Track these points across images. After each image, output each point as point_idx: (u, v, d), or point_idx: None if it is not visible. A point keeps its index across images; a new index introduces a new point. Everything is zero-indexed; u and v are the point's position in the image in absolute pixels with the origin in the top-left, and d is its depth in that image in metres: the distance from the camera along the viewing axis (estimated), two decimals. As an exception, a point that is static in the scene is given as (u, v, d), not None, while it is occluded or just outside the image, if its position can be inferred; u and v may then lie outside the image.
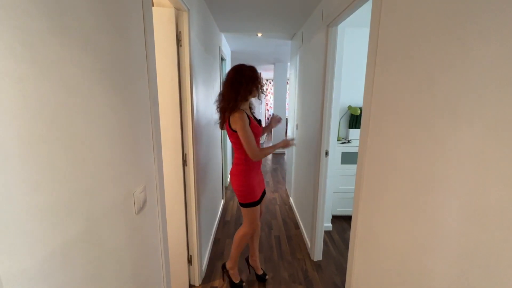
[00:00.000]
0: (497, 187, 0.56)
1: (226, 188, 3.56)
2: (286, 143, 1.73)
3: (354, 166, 2.82)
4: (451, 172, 0.68)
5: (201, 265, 1.94)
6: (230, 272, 1.90)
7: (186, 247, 1.77)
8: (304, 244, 2.47)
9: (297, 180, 3.02)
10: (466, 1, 0.64)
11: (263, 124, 2.08)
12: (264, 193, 1.87)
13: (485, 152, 0.59)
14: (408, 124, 0.85)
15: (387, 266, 0.99)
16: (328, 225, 2.71)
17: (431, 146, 0.75)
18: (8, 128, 0.42)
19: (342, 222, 2.89)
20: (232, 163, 1.74)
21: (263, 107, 9.16)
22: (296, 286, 1.93)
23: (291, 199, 3.41)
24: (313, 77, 2.26)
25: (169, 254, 1.24)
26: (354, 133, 2.81)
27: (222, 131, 2.95)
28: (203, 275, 2.00)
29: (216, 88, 2.71)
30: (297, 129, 3.08)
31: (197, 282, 1.90)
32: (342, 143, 2.79)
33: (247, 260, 2.05)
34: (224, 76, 1.75)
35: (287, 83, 6.33)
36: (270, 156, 6.16)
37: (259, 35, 3.28)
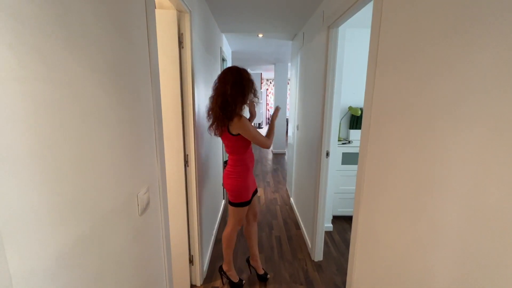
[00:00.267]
0: (497, 188, 0.57)
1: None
2: (276, 114, 1.81)
3: (354, 167, 2.83)
4: (452, 172, 0.68)
5: (202, 265, 1.95)
6: (228, 273, 1.92)
7: (187, 248, 1.78)
8: (305, 244, 2.48)
9: (298, 180, 3.02)
10: (468, 3, 0.64)
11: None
12: (256, 191, 1.91)
13: (485, 153, 0.59)
14: (409, 125, 0.86)
15: (388, 267, 1.00)
16: (328, 225, 2.72)
17: (431, 147, 0.76)
18: (16, 131, 0.43)
19: (343, 222, 2.90)
20: (227, 165, 1.74)
21: (264, 107, 9.16)
22: (297, 286, 1.94)
23: (291, 199, 3.42)
24: (314, 78, 2.26)
25: (171, 254, 1.25)
26: (355, 134, 2.82)
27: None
28: (204, 275, 2.01)
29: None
30: (297, 129, 3.08)
31: (198, 282, 1.91)
32: (343, 143, 2.80)
33: (247, 261, 2.06)
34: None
35: (288, 83, 6.34)
36: (270, 157, 6.16)
37: (260, 35, 3.29)
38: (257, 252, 2.01)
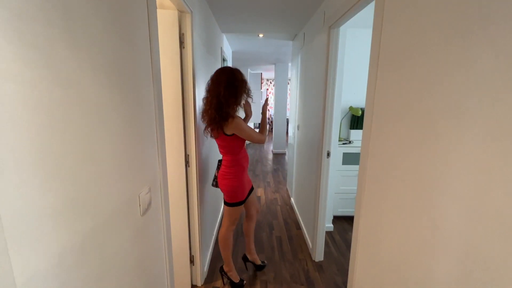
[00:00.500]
0: (500, 190, 0.57)
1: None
2: (265, 107, 1.83)
3: (355, 167, 2.83)
4: (454, 173, 0.68)
5: (203, 265, 1.95)
6: (229, 273, 1.93)
7: (188, 248, 1.78)
8: (306, 244, 2.48)
9: (298, 180, 3.02)
10: (472, 4, 0.64)
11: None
12: (252, 189, 1.92)
13: (488, 155, 0.59)
14: (411, 125, 0.86)
15: (389, 267, 1.00)
16: (329, 225, 2.72)
17: (434, 147, 0.75)
18: (18, 131, 0.43)
19: (343, 222, 2.90)
20: (221, 166, 1.75)
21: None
22: (297, 287, 1.94)
23: (292, 199, 3.42)
24: (315, 78, 2.26)
25: (172, 254, 1.25)
26: (355, 134, 2.82)
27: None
28: (205, 275, 2.01)
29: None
30: (298, 129, 3.08)
31: (199, 282, 1.91)
32: (343, 143, 2.80)
33: (243, 258, 2.09)
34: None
35: (288, 83, 6.33)
36: (270, 157, 6.16)
37: (261, 35, 3.29)
38: (252, 244, 2.08)
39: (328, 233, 2.65)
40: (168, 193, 1.14)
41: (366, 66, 1.18)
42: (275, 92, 6.25)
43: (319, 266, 2.17)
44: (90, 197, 0.61)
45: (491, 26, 0.59)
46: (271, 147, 7.07)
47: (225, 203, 1.77)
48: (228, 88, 1.53)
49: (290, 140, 3.81)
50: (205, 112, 1.61)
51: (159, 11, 1.42)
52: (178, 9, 1.48)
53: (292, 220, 2.99)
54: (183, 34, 1.54)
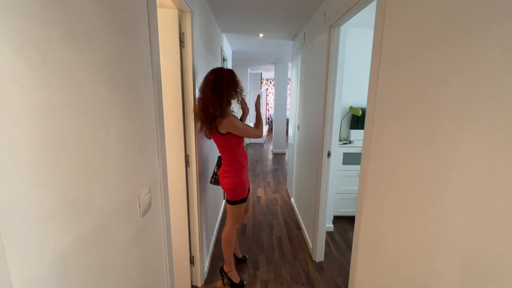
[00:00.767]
0: (504, 191, 0.56)
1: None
2: (258, 102, 1.85)
3: (355, 167, 2.83)
4: (458, 175, 0.68)
5: (203, 266, 1.94)
6: (229, 274, 1.92)
7: (188, 248, 1.77)
8: (306, 244, 2.47)
9: (299, 180, 3.02)
10: (475, 2, 0.64)
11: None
12: (249, 189, 1.94)
13: (491, 155, 0.59)
14: (414, 126, 0.85)
15: (391, 269, 0.99)
16: (329, 225, 2.71)
17: (438, 148, 0.75)
18: (18, 131, 0.42)
19: (344, 222, 2.90)
20: (221, 165, 1.76)
21: (264, 107, 9.15)
22: (298, 287, 1.93)
23: (292, 199, 3.42)
24: (315, 78, 2.26)
25: (172, 255, 1.24)
26: (356, 134, 2.81)
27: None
28: (205, 276, 2.00)
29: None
30: (298, 129, 3.08)
31: (199, 283, 1.90)
32: (344, 143, 2.79)
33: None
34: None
35: (288, 83, 6.33)
36: (270, 157, 6.16)
37: (261, 35, 3.28)
38: (237, 239, 2.11)
39: (328, 233, 2.64)
40: (168, 193, 1.13)
41: (366, 65, 1.18)
42: (275, 92, 6.24)
43: (319, 266, 2.16)
44: (90, 198, 0.60)
45: (495, 26, 0.58)
46: (271, 147, 7.06)
47: (228, 201, 1.78)
48: (214, 89, 1.55)
49: (290, 140, 3.81)
50: (197, 112, 1.63)
51: (159, 10, 1.41)
52: (178, 8, 1.47)
53: (292, 220, 2.98)
54: (183, 33, 1.53)
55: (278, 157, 6.14)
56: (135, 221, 0.83)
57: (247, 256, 2.26)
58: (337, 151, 2.71)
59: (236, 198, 1.75)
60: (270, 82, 10.83)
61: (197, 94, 1.67)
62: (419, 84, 0.82)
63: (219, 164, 1.82)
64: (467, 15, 0.65)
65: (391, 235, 0.99)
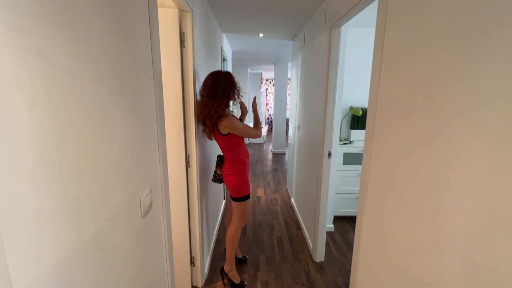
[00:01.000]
0: (508, 192, 0.55)
1: (227, 189, 3.56)
2: (255, 104, 1.90)
3: (356, 167, 2.82)
4: (461, 175, 0.67)
5: (203, 267, 1.93)
6: (230, 274, 1.92)
7: (188, 249, 1.77)
8: (306, 245, 2.47)
9: (299, 180, 3.01)
10: (478, 4, 0.63)
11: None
12: None
13: (496, 156, 0.58)
14: (417, 126, 0.85)
15: (393, 269, 0.99)
16: (329, 226, 2.71)
17: (440, 148, 0.74)
18: (19, 132, 0.41)
19: (344, 223, 2.89)
20: (224, 164, 1.82)
21: (263, 107, 9.15)
22: (298, 287, 1.93)
23: (292, 199, 3.41)
24: (316, 78, 2.25)
25: (173, 256, 1.23)
26: (356, 134, 2.81)
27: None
28: (205, 277, 1.99)
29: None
30: (298, 129, 3.07)
31: (199, 283, 1.89)
32: (344, 143, 2.79)
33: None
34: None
35: (288, 83, 6.32)
36: (270, 157, 6.16)
37: (261, 35, 3.28)
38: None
39: (328, 234, 2.64)
40: (169, 194, 1.12)
41: (366, 65, 1.17)
42: (275, 92, 6.24)
43: (320, 266, 2.16)
44: (91, 199, 0.60)
45: (497, 26, 0.58)
46: (270, 147, 7.06)
47: (233, 199, 1.82)
48: (213, 92, 1.61)
49: (290, 140, 3.80)
50: (198, 114, 1.69)
51: (159, 9, 1.40)
52: (178, 8, 1.46)
53: (293, 220, 2.98)
54: (183, 33, 1.53)
55: (278, 157, 6.13)
56: (136, 222, 0.82)
57: (247, 256, 2.26)
58: (337, 151, 2.70)
59: (241, 194, 1.79)
60: (270, 82, 10.83)
61: (198, 96, 1.73)
62: (422, 84, 0.82)
63: (218, 163, 1.88)
64: (470, 15, 0.65)
65: (392, 235, 0.98)
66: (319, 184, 2.10)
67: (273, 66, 6.30)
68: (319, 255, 2.21)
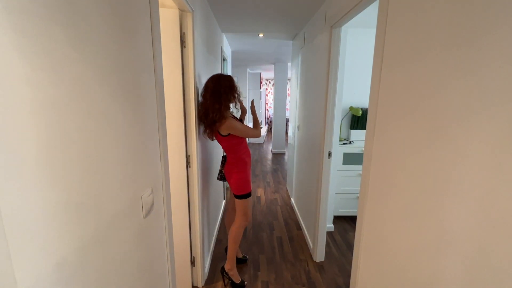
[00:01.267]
0: (510, 192, 0.56)
1: (227, 189, 3.56)
2: (252, 106, 1.95)
3: (356, 167, 2.83)
4: (463, 175, 0.68)
5: (204, 267, 1.93)
6: (230, 273, 1.92)
7: (189, 249, 1.77)
8: (306, 245, 2.47)
9: (299, 181, 3.02)
10: (479, 5, 0.64)
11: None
12: None
13: (497, 157, 0.59)
14: (418, 126, 0.85)
15: (394, 270, 0.99)
16: (330, 226, 2.71)
17: (442, 149, 0.75)
18: (22, 132, 0.41)
19: (344, 223, 2.90)
20: (226, 163, 1.87)
21: (263, 107, 9.15)
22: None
23: (292, 199, 3.41)
24: (316, 78, 2.25)
25: (174, 256, 1.23)
26: (356, 134, 2.81)
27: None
28: (205, 277, 1.99)
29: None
30: (298, 129, 3.07)
31: (200, 283, 1.89)
32: (344, 143, 2.80)
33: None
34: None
35: (288, 83, 6.32)
36: (270, 156, 6.16)
37: (261, 35, 3.28)
38: None
39: (328, 234, 2.64)
40: (170, 194, 1.12)
41: (366, 65, 1.18)
42: (275, 92, 6.24)
43: (320, 266, 2.16)
44: (94, 199, 0.60)
45: (497, 27, 0.58)
46: (270, 147, 7.06)
47: (236, 196, 1.85)
48: (213, 95, 1.67)
49: (290, 140, 3.81)
50: (199, 118, 1.75)
51: (160, 10, 1.40)
52: (179, 8, 1.46)
53: (293, 220, 2.98)
54: (184, 33, 1.53)
55: (278, 157, 6.13)
56: (138, 222, 0.82)
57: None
58: (337, 151, 2.71)
59: (243, 192, 1.83)
60: (270, 82, 10.83)
61: (200, 99, 1.78)
62: (423, 85, 0.82)
63: (223, 162, 1.94)
64: (472, 15, 0.65)
65: (393, 235, 0.99)
66: (319, 184, 2.10)
67: (272, 66, 6.30)
68: (319, 255, 2.22)
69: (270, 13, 2.38)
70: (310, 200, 2.41)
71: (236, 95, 1.76)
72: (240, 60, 5.46)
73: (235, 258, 1.94)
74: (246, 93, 7.05)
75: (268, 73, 8.70)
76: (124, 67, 0.73)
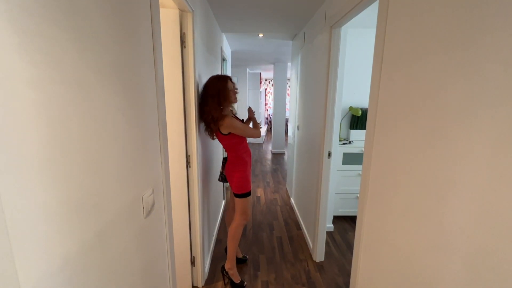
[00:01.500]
0: (510, 192, 0.56)
1: (227, 189, 3.56)
2: (251, 112, 2.04)
3: (355, 167, 2.83)
4: (463, 175, 0.68)
5: (203, 267, 1.93)
6: (230, 272, 1.92)
7: (189, 249, 1.77)
8: (306, 245, 2.47)
9: (298, 180, 3.02)
10: (478, 5, 0.64)
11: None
12: None
13: (498, 157, 0.59)
14: (418, 126, 0.85)
15: (394, 269, 0.99)
16: (329, 225, 2.71)
17: (442, 149, 0.75)
18: (24, 132, 0.41)
19: (344, 222, 2.90)
20: (227, 162, 1.90)
21: (263, 107, 9.15)
22: (298, 287, 1.93)
23: (292, 199, 3.42)
24: (316, 78, 2.26)
25: (174, 256, 1.24)
26: (355, 134, 2.82)
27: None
28: (205, 277, 1.99)
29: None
30: (298, 129, 3.08)
31: (200, 283, 1.89)
32: (344, 143, 2.80)
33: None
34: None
35: (287, 83, 6.32)
36: (269, 157, 6.16)
37: (260, 35, 3.28)
38: None
39: (328, 233, 2.65)
40: (170, 194, 1.12)
41: (366, 65, 1.18)
42: (274, 92, 6.24)
43: (320, 266, 2.17)
44: (95, 199, 0.60)
45: (496, 28, 0.58)
46: (270, 147, 7.06)
47: (236, 195, 1.87)
48: (213, 95, 1.71)
49: (290, 140, 3.81)
50: (200, 117, 1.78)
51: (160, 10, 1.40)
52: (179, 8, 1.46)
53: (292, 220, 2.99)
54: (184, 33, 1.53)
55: (277, 157, 6.14)
56: (138, 222, 0.83)
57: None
58: (337, 151, 2.71)
59: (243, 191, 1.85)
60: (269, 82, 10.83)
61: (199, 100, 1.81)
62: (424, 85, 0.82)
63: (223, 163, 1.97)
64: (473, 15, 0.66)
65: (393, 235, 0.99)
66: (319, 184, 2.10)
67: (272, 66, 6.30)
68: (319, 255, 2.22)
69: (270, 13, 2.38)
70: (310, 200, 2.42)
71: (233, 96, 1.80)
72: (240, 60, 5.46)
73: (235, 257, 1.94)
74: (245, 93, 7.05)
75: (267, 73, 8.70)
76: (125, 67, 0.73)
